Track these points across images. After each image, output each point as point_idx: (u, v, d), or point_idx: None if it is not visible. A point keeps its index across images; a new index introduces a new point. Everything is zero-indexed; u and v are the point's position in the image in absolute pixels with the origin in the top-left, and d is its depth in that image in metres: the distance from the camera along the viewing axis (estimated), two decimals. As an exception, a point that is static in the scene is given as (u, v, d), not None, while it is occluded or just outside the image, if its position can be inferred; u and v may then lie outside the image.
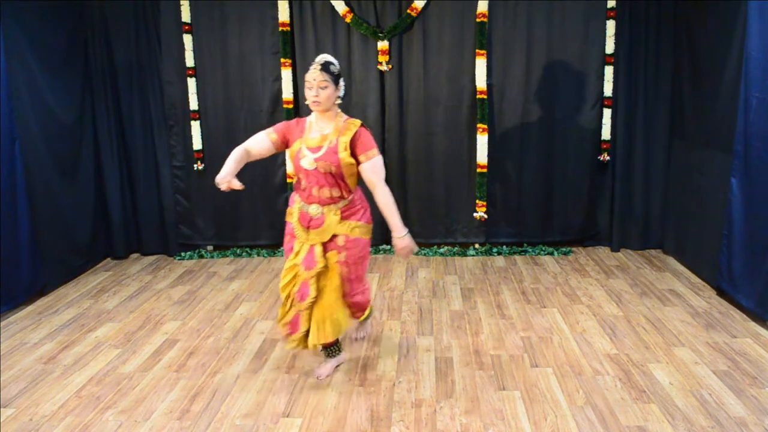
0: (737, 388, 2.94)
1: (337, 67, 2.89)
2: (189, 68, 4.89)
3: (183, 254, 5.19)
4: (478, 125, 4.84)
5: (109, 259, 5.19)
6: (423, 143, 5.00)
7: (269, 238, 5.21)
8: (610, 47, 4.75)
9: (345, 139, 2.85)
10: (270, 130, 2.98)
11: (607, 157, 4.91)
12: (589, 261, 4.86)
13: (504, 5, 4.75)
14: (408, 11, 4.74)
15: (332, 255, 2.93)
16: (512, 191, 5.05)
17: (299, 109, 4.94)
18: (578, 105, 4.87)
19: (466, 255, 5.05)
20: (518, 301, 4.07)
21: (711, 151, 4.21)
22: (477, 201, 4.98)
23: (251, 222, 5.20)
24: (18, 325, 3.89)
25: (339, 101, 2.91)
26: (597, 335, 3.54)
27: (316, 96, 2.82)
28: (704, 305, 3.92)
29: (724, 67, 3.97)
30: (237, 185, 2.81)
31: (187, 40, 4.85)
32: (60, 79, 4.55)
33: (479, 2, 4.70)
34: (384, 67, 4.85)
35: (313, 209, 2.91)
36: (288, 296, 2.97)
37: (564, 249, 5.08)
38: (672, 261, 4.81)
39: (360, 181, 3.00)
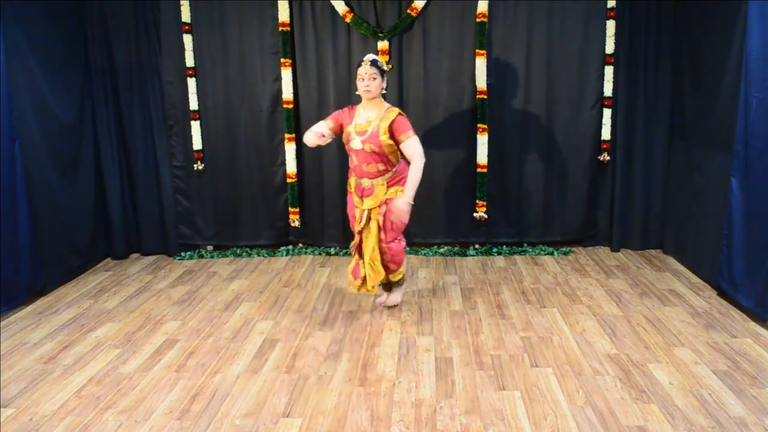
0: (737, 388, 2.94)
1: (383, 63, 3.57)
2: (189, 68, 4.89)
3: (183, 254, 5.19)
4: (478, 125, 4.84)
5: (109, 259, 5.19)
6: (423, 143, 4.96)
7: (269, 238, 5.22)
8: (610, 47, 4.75)
9: (384, 125, 3.52)
10: (327, 119, 3.70)
11: (607, 157, 4.91)
12: (589, 261, 4.86)
13: (504, 5, 4.75)
14: (408, 11, 4.74)
15: (375, 211, 3.64)
16: (512, 191, 5.05)
17: (299, 109, 4.94)
18: (578, 105, 4.86)
19: (466, 255, 5.05)
20: (518, 301, 4.07)
21: (711, 151, 4.21)
22: (477, 201, 4.98)
23: (251, 222, 5.20)
24: (18, 325, 3.89)
25: (384, 91, 3.59)
26: (597, 335, 3.54)
27: (368, 86, 3.50)
28: (704, 305, 3.92)
29: (724, 67, 3.96)
30: (325, 141, 3.62)
31: (187, 40, 4.85)
32: (60, 79, 4.55)
33: (479, 2, 4.69)
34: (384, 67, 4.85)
35: (365, 182, 3.63)
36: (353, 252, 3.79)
37: (564, 249, 5.08)
38: (672, 261, 4.81)
39: (403, 155, 3.62)
